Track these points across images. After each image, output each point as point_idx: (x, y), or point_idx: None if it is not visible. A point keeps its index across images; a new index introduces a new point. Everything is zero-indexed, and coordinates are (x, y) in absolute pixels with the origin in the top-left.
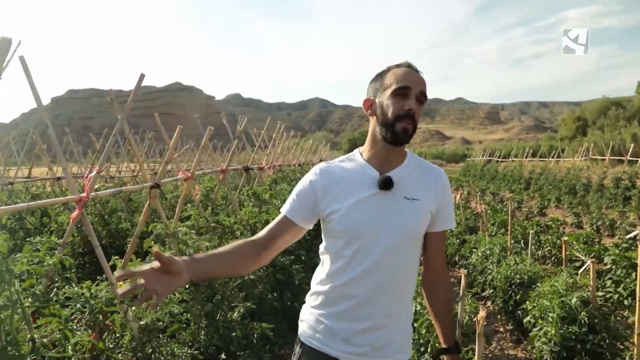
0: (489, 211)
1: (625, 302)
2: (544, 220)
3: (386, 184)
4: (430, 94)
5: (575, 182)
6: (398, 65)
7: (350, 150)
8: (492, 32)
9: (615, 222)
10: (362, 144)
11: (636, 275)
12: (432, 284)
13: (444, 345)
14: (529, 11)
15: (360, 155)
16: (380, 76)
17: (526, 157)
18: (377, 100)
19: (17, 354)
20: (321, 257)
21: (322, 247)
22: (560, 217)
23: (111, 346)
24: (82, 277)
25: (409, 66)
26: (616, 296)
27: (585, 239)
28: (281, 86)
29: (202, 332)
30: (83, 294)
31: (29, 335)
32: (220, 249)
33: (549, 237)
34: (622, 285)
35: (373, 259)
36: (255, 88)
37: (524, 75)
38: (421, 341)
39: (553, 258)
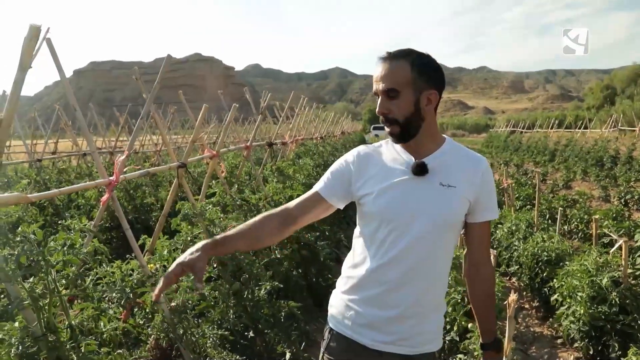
0: (513, 184)
1: None
2: (570, 194)
3: (420, 170)
4: (453, 63)
5: (603, 153)
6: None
7: (372, 122)
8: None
9: None
10: None
11: None
12: (474, 277)
13: (482, 341)
14: None
15: None
16: None
17: (551, 128)
18: None
19: (56, 341)
20: (354, 241)
21: (356, 232)
22: (587, 190)
23: (141, 322)
24: (109, 252)
25: (380, 60)
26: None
27: (614, 215)
28: (301, 56)
29: (231, 310)
30: (114, 273)
31: (67, 322)
32: (246, 226)
33: (576, 212)
34: None
35: (404, 244)
36: (275, 58)
37: (552, 43)
38: (447, 319)
39: (580, 234)
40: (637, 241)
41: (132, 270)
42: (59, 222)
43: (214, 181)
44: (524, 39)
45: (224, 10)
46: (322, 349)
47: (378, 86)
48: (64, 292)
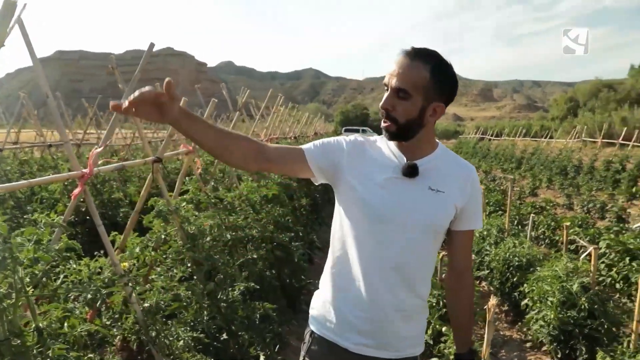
0: (483, 190)
1: (617, 286)
2: (536, 201)
3: (411, 171)
4: None
5: (567, 163)
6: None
7: (343, 124)
8: (491, 9)
9: (606, 204)
10: (355, 117)
11: (629, 260)
12: (454, 286)
13: (457, 351)
14: None
15: None
16: None
17: (518, 137)
18: None
19: (21, 346)
20: (334, 240)
21: (336, 228)
22: (552, 197)
23: (108, 323)
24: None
25: (402, 53)
26: (609, 279)
27: (580, 223)
28: (274, 55)
29: (205, 312)
30: (81, 270)
31: (34, 325)
32: (224, 130)
33: (544, 218)
34: (615, 269)
35: (389, 246)
36: (248, 56)
37: (520, 54)
38: None
39: (547, 240)
40: (601, 248)
41: (101, 268)
42: (24, 216)
43: (187, 178)
44: (495, 48)
45: (197, 5)
46: (302, 353)
47: (391, 81)
48: (31, 292)
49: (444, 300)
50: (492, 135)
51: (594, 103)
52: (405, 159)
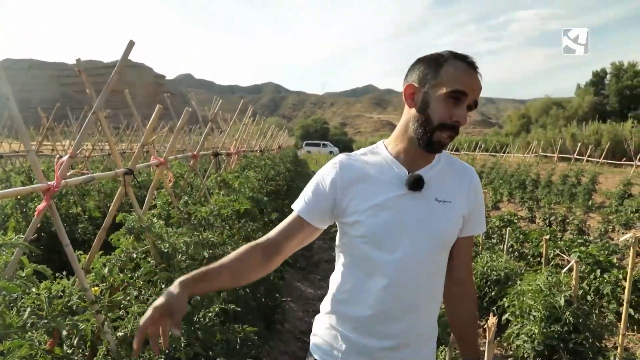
0: None
1: (588, 298)
2: (501, 214)
3: (416, 184)
4: (383, 85)
5: (525, 177)
6: (460, 58)
7: (304, 138)
8: (448, 27)
9: (567, 217)
10: (315, 132)
11: (600, 272)
12: (457, 296)
13: None
14: (482, 9)
15: (385, 148)
16: (436, 63)
17: (477, 151)
18: (423, 92)
19: None
20: (339, 260)
21: (340, 248)
22: (514, 211)
23: (70, 352)
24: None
25: (471, 64)
26: (580, 292)
27: (549, 236)
28: (234, 69)
29: (182, 337)
30: (38, 294)
31: None
32: (228, 259)
33: (512, 232)
34: (585, 281)
35: (401, 268)
36: (208, 69)
37: None
38: None
39: (516, 253)
40: (569, 261)
41: (63, 291)
42: None
43: (155, 191)
44: None
45: (154, 15)
46: None
47: (472, 95)
48: None
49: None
50: (451, 150)
51: (545, 119)
52: (405, 169)
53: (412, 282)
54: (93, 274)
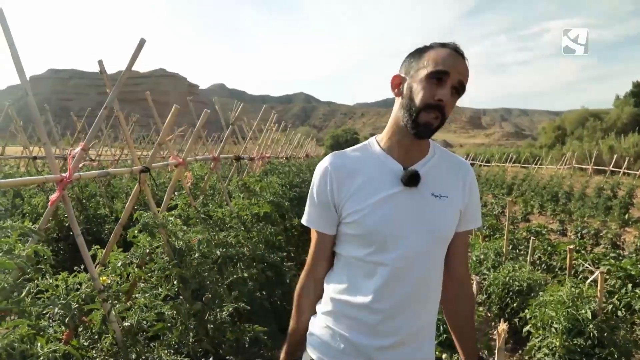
0: None
1: (619, 313)
2: (530, 226)
3: (412, 180)
4: None
5: (558, 189)
6: (443, 45)
7: (334, 148)
8: (477, 38)
9: (600, 231)
10: (345, 142)
11: (632, 286)
12: (454, 294)
13: None
14: (512, 19)
15: (377, 144)
16: (418, 52)
17: (508, 163)
18: (408, 80)
19: None
20: (338, 259)
21: (339, 247)
22: (544, 223)
23: (86, 344)
24: (55, 266)
25: (455, 49)
26: (610, 306)
27: (577, 248)
28: (266, 79)
29: (191, 333)
30: (58, 286)
31: None
32: (295, 323)
33: (539, 243)
34: (616, 296)
35: (400, 267)
36: (240, 80)
37: (506, 82)
38: None
39: (543, 265)
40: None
41: (80, 284)
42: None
43: (176, 193)
44: (482, 76)
45: (190, 28)
46: None
47: (454, 74)
48: None
49: (444, 326)
50: (482, 162)
51: (581, 132)
52: (399, 165)
53: (410, 279)
54: (110, 267)
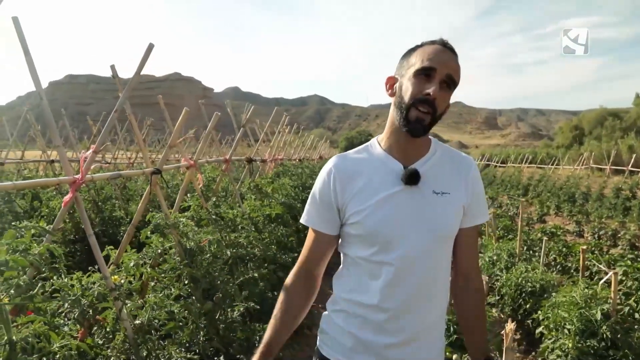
0: (492, 214)
1: (637, 315)
2: (546, 227)
3: (412, 178)
4: None
5: (575, 190)
6: (432, 42)
7: (348, 149)
8: (491, 38)
9: (618, 232)
10: (359, 144)
11: None
12: (463, 289)
13: (474, 359)
14: (528, 19)
15: (378, 144)
16: (409, 53)
17: (524, 163)
18: (399, 80)
19: None
20: (343, 258)
21: (344, 248)
22: (561, 224)
23: (100, 342)
24: (71, 267)
25: (443, 44)
26: (627, 309)
27: (593, 249)
28: (280, 82)
29: (201, 332)
30: (73, 285)
31: (6, 337)
32: (279, 313)
33: (554, 244)
34: (633, 298)
35: (403, 266)
36: (254, 82)
37: (522, 82)
38: None
39: (558, 266)
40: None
41: (94, 283)
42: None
43: (189, 195)
44: (497, 77)
45: (202, 32)
46: None
47: (442, 69)
48: (5, 300)
49: (455, 326)
50: (497, 163)
51: (599, 131)
52: (400, 164)
53: (416, 277)
54: (123, 267)
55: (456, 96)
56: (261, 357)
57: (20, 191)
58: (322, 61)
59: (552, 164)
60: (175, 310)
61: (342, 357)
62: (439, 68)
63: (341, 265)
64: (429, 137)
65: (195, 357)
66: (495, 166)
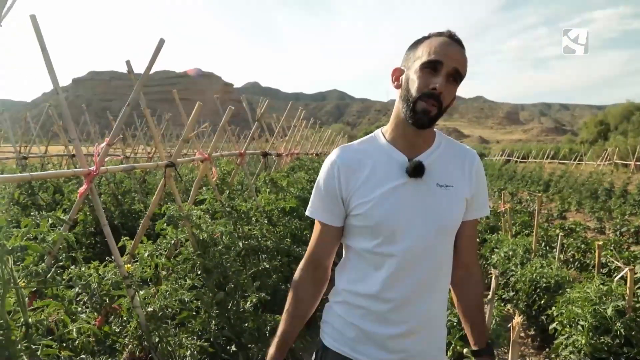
0: (510, 209)
1: None
2: (565, 223)
3: (417, 171)
4: None
5: (598, 186)
6: (439, 34)
7: None
8: (515, 31)
9: None
10: None
11: None
12: (462, 279)
13: (474, 347)
14: (554, 11)
15: (382, 135)
16: (415, 44)
17: (546, 159)
18: (405, 72)
19: (5, 340)
20: (345, 249)
21: (348, 239)
22: (582, 221)
23: (117, 330)
24: (92, 258)
25: (450, 36)
26: None
27: (613, 245)
28: (299, 77)
29: (213, 321)
30: (90, 274)
31: (22, 319)
32: (291, 308)
33: (573, 241)
34: None
35: (408, 258)
36: (274, 78)
37: (546, 76)
38: None
39: (577, 263)
40: (637, 272)
41: (109, 272)
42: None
43: (204, 188)
44: (520, 71)
45: (224, 28)
46: None
47: (449, 62)
48: (21, 284)
49: None
50: (518, 158)
51: (625, 126)
52: (404, 156)
53: (418, 270)
54: (138, 258)
55: (477, 91)
56: (277, 349)
57: (43, 184)
58: (343, 57)
59: (575, 160)
60: (186, 299)
61: (345, 347)
62: (446, 61)
63: (343, 257)
64: (434, 129)
65: (206, 343)
66: (516, 162)
